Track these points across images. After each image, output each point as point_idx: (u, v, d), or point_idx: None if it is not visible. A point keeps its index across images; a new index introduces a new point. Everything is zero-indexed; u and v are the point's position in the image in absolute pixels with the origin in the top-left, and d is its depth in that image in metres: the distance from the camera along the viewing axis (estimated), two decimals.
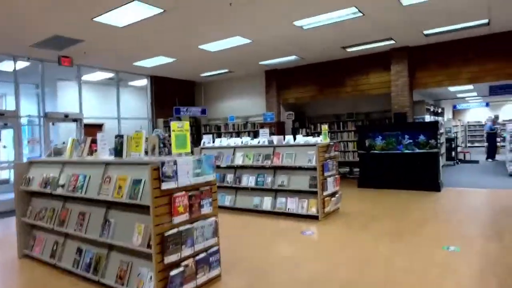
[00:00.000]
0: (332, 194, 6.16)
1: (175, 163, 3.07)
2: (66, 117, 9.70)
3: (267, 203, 6.42)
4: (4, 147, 9.99)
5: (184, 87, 13.07)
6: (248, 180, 6.67)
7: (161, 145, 11.29)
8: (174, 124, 3.27)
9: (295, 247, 4.61)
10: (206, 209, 3.39)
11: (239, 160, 6.85)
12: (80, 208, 3.91)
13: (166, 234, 2.98)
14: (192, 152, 3.67)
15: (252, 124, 12.37)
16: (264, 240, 4.93)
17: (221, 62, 10.22)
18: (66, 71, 9.97)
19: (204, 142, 7.66)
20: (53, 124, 11.37)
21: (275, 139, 6.64)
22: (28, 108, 10.21)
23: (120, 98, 12.03)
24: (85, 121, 10.90)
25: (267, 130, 7.15)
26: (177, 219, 3.08)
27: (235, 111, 12.68)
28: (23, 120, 10.39)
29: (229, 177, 6.96)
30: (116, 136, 3.69)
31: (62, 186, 4.03)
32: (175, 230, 3.06)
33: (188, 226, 3.19)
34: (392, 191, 8.16)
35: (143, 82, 12.25)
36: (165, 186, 2.98)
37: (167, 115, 12.08)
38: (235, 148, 7.05)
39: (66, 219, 4.01)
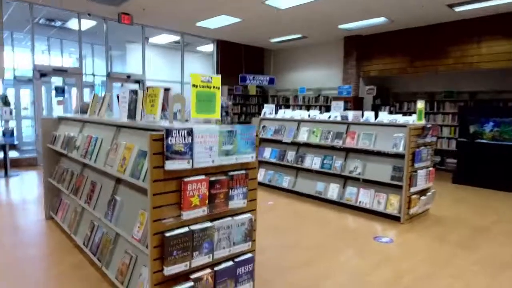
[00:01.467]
0: (422, 192, 4.68)
1: (189, 132, 2.03)
2: (128, 78, 9.41)
3: (333, 191, 5.19)
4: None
5: (252, 53, 12.00)
6: (312, 161, 5.48)
7: (223, 114, 10.49)
8: (195, 76, 2.21)
9: (363, 259, 3.38)
10: (237, 202, 2.33)
11: (303, 136, 5.67)
12: (93, 176, 3.20)
13: (168, 234, 2.01)
14: (221, 121, 2.59)
15: (325, 97, 10.91)
16: (323, 242, 3.77)
17: (293, 25, 8.87)
18: (134, 33, 9.61)
19: (264, 112, 6.60)
20: (122, 85, 11.36)
21: (351, 114, 5.27)
22: (103, 69, 10.15)
23: (186, 64, 11.49)
24: (149, 83, 10.62)
25: (341, 104, 5.80)
26: (188, 214, 2.08)
27: (306, 83, 11.30)
28: (97, 80, 10.46)
29: (290, 155, 5.84)
30: (130, 92, 2.79)
31: (77, 148, 3.34)
32: (183, 230, 2.08)
33: (205, 224, 2.18)
34: (502, 193, 6.25)
35: (210, 48, 11.50)
36: (170, 165, 1.98)
37: (233, 82, 11.24)
38: (300, 121, 5.87)
39: (81, 187, 3.34)
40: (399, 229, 4.25)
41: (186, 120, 2.61)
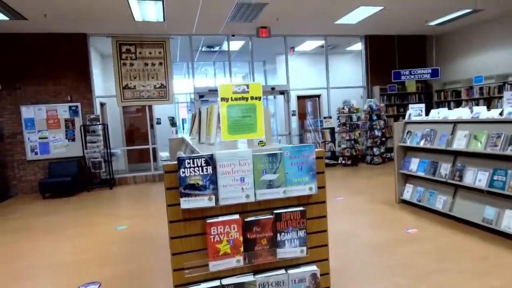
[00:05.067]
0: None
1: (208, 161, 1.60)
2: (273, 90, 9.59)
3: (510, 220, 3.61)
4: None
5: (407, 45, 10.25)
6: (476, 177, 4.01)
7: (374, 118, 9.39)
8: (225, 87, 1.76)
9: None
10: (291, 251, 1.73)
11: (460, 143, 4.24)
12: None
13: None
14: (370, 129, 1.97)
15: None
16: None
17: None
18: (281, 45, 9.77)
19: (410, 115, 5.36)
20: (274, 97, 11.83)
21: None
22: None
23: (335, 67, 10.92)
24: (297, 93, 10.58)
25: None
26: (215, 265, 1.64)
27: (483, 70, 8.80)
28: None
29: (444, 168, 4.48)
30: (198, 110, 2.56)
31: None
32: (213, 284, 1.64)
33: (244, 278, 1.68)
34: None
35: (359, 46, 10.52)
36: (186, 204, 1.59)
37: (385, 81, 9.92)
38: (455, 123, 4.44)
39: None
40: None
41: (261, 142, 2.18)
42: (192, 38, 9.01)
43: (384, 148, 9.13)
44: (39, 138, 8.02)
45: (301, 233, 1.73)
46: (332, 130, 9.44)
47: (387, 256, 3.45)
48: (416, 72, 9.39)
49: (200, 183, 1.60)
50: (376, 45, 10.05)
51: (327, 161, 9.35)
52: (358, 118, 9.29)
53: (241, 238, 1.65)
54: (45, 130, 8.05)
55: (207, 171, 1.60)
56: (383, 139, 9.11)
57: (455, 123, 4.43)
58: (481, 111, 4.25)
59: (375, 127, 9.10)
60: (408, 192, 5.08)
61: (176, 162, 1.57)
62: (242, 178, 1.64)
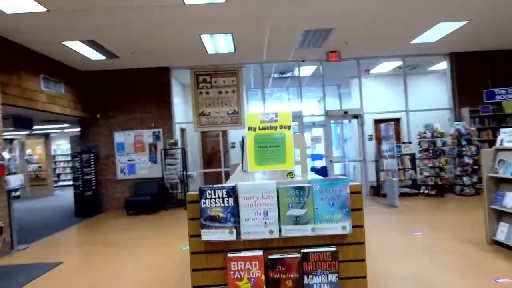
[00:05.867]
0: None
1: (229, 193, 1.55)
2: (345, 113, 9.25)
3: None
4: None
5: (501, 60, 8.99)
6: None
7: (463, 143, 8.44)
8: (252, 117, 1.70)
9: None
10: None
11: None
12: None
13: None
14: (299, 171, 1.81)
15: None
16: None
17: None
18: (355, 68, 9.47)
19: (502, 140, 4.61)
20: (349, 121, 11.41)
21: None
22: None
23: (416, 88, 10.15)
24: (373, 116, 10.02)
25: None
26: None
27: None
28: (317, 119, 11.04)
29: None
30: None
31: None
32: None
33: None
34: None
35: (444, 65, 9.62)
36: (206, 236, 1.55)
37: (476, 102, 8.79)
38: None
39: None
40: None
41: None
42: (264, 66, 9.27)
43: (477, 177, 7.98)
44: (128, 160, 8.92)
45: (332, 278, 1.54)
46: (412, 156, 8.64)
47: None
48: None
49: (221, 215, 1.55)
50: (463, 62, 9.06)
51: (407, 190, 8.52)
52: (444, 144, 8.34)
53: (263, 277, 1.54)
54: (132, 153, 8.94)
55: (228, 203, 1.55)
56: (476, 167, 7.99)
57: None
58: None
59: (465, 154, 8.06)
60: (503, 232, 4.29)
61: (191, 195, 1.55)
62: (265, 212, 1.55)
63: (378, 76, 10.96)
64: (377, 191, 8.63)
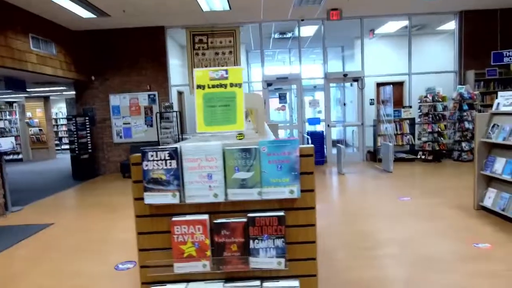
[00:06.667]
0: None
1: (172, 155, 1.47)
2: (345, 76, 8.96)
3: None
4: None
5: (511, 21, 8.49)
6: None
7: (465, 107, 8.24)
8: (201, 74, 1.59)
9: None
10: (266, 261, 1.51)
11: None
12: None
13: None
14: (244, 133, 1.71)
15: None
16: None
17: None
18: (358, 29, 9.05)
19: (498, 104, 4.43)
20: (351, 84, 11.10)
21: None
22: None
23: (423, 49, 9.78)
24: (376, 79, 9.72)
25: None
26: (180, 267, 1.51)
27: None
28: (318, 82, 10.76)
29: None
30: None
31: None
32: (178, 287, 1.53)
33: (211, 285, 1.53)
34: None
35: (452, 25, 9.12)
36: (149, 199, 1.50)
37: (484, 65, 8.42)
38: None
39: None
40: None
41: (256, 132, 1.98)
42: (263, 26, 8.89)
43: None
44: (123, 124, 8.89)
45: (279, 242, 1.49)
46: (412, 121, 8.44)
47: (441, 273, 2.91)
48: None
49: (164, 177, 1.48)
50: (473, 22, 8.57)
51: (404, 155, 8.42)
52: (445, 108, 8.11)
53: (208, 241, 1.50)
54: (128, 116, 8.88)
55: (171, 165, 1.48)
56: None
57: None
58: None
59: (466, 119, 7.85)
60: (490, 198, 4.23)
61: (134, 156, 1.47)
62: (209, 175, 1.48)
63: (384, 37, 10.50)
64: (374, 156, 8.54)
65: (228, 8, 7.33)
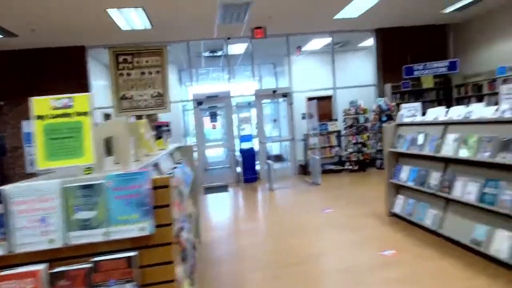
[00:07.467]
0: None
1: None
2: (274, 93, 9.17)
3: (500, 243, 2.97)
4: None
5: (423, 36, 9.36)
6: (465, 189, 3.38)
7: (384, 119, 8.69)
8: (40, 102, 1.43)
9: None
10: None
11: (448, 149, 3.63)
12: None
13: None
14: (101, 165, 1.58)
15: None
16: None
17: None
18: (289, 45, 9.34)
19: (402, 115, 4.74)
20: (290, 104, 11.27)
21: None
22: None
23: (346, 64, 10.33)
24: (306, 94, 10.04)
25: None
26: None
27: (509, 59, 7.80)
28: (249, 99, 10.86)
29: (434, 178, 3.86)
30: None
31: None
32: None
33: None
34: None
35: (371, 41, 9.81)
36: None
37: (399, 78, 9.11)
38: (446, 124, 3.82)
39: None
40: None
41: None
42: (192, 44, 8.82)
43: None
44: None
45: (129, 287, 1.35)
46: (338, 134, 8.83)
47: (350, 283, 2.94)
48: (432, 66, 8.54)
49: None
50: (386, 38, 9.30)
51: (332, 167, 8.74)
52: (366, 120, 8.60)
53: None
54: None
55: None
56: None
57: (446, 124, 3.81)
58: (474, 110, 3.60)
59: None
60: (399, 204, 4.47)
61: None
62: (42, 218, 1.30)
63: (311, 54, 10.96)
64: (304, 169, 8.75)
65: (149, 27, 7.15)
